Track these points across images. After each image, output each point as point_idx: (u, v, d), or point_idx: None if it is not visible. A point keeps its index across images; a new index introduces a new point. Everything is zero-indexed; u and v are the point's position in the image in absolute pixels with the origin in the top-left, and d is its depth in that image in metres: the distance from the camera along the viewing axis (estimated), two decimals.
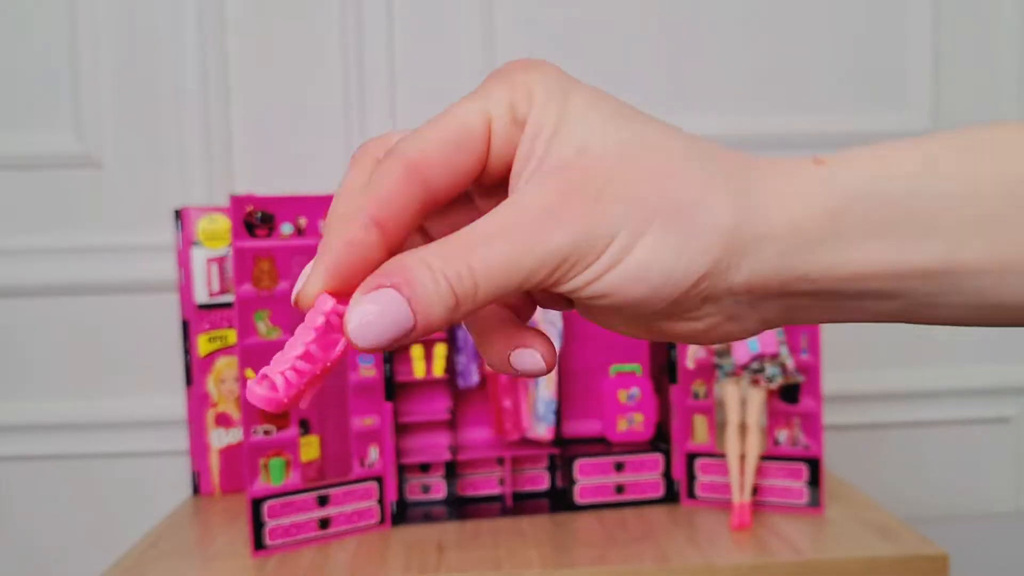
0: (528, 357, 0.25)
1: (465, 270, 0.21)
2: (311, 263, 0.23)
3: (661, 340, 0.27)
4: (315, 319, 0.22)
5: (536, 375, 0.25)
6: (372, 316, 0.21)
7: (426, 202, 0.23)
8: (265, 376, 0.23)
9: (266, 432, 0.81)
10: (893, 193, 0.23)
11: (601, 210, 0.22)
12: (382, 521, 0.86)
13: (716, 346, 0.85)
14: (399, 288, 0.21)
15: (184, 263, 0.98)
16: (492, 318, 0.25)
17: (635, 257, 0.22)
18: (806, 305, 0.24)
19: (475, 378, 0.92)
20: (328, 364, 0.23)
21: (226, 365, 0.99)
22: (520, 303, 0.26)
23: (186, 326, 0.98)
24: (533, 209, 0.22)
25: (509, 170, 0.24)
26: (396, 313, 0.21)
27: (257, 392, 0.23)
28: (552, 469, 0.94)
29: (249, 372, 0.80)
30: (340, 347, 0.23)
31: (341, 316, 0.22)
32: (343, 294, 0.22)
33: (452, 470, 0.89)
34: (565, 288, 0.23)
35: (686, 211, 0.22)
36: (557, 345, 0.90)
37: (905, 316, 0.25)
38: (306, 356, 0.23)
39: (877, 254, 0.23)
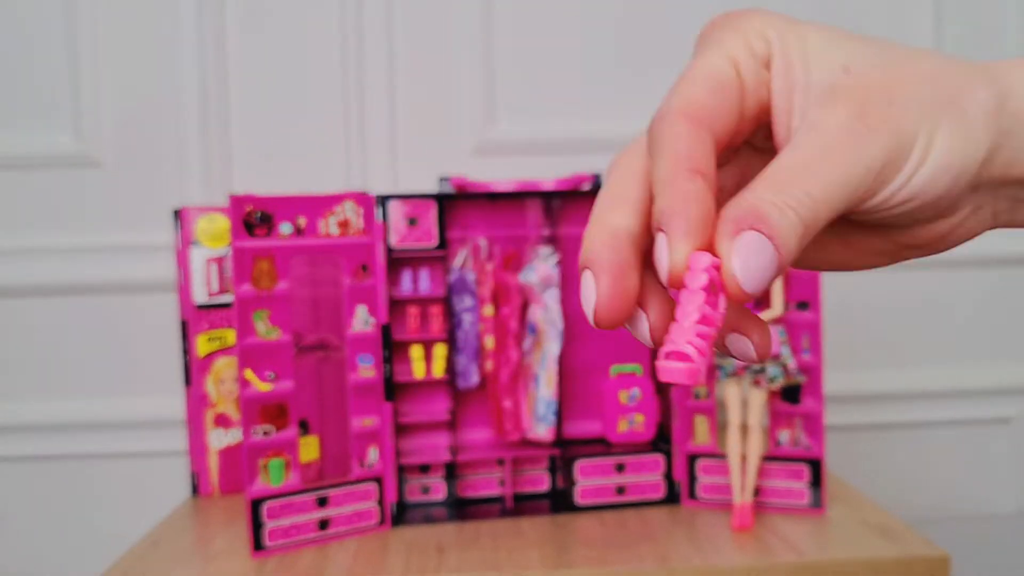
0: (742, 344, 0.25)
1: (805, 197, 0.22)
2: (593, 273, 0.23)
3: (906, 256, 0.27)
4: (698, 279, 0.22)
5: (747, 361, 0.25)
6: (751, 260, 0.21)
7: (716, 147, 0.24)
8: (674, 351, 0.22)
9: (265, 433, 0.80)
10: None
11: (900, 114, 0.23)
12: (382, 522, 0.85)
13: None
14: (759, 229, 0.21)
15: (183, 263, 0.98)
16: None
17: (937, 150, 0.23)
18: None
19: (475, 379, 0.91)
20: (720, 322, 0.23)
21: (225, 365, 0.99)
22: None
23: (185, 326, 0.98)
24: (836, 129, 0.23)
25: (763, 113, 0.25)
26: (766, 253, 0.21)
27: (675, 368, 0.22)
28: (552, 470, 0.93)
29: (248, 372, 0.80)
30: (723, 302, 0.22)
31: (718, 269, 0.22)
32: (701, 251, 0.22)
33: (452, 471, 0.89)
34: (880, 197, 0.23)
35: (960, 101, 0.23)
36: (558, 346, 0.90)
37: None
38: (704, 319, 0.22)
39: None
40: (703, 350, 0.22)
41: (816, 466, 0.85)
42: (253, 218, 0.79)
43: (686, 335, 0.22)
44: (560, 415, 0.92)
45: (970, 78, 0.24)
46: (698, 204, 0.22)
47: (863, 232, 0.27)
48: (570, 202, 0.95)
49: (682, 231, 0.22)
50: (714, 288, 0.22)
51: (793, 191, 0.22)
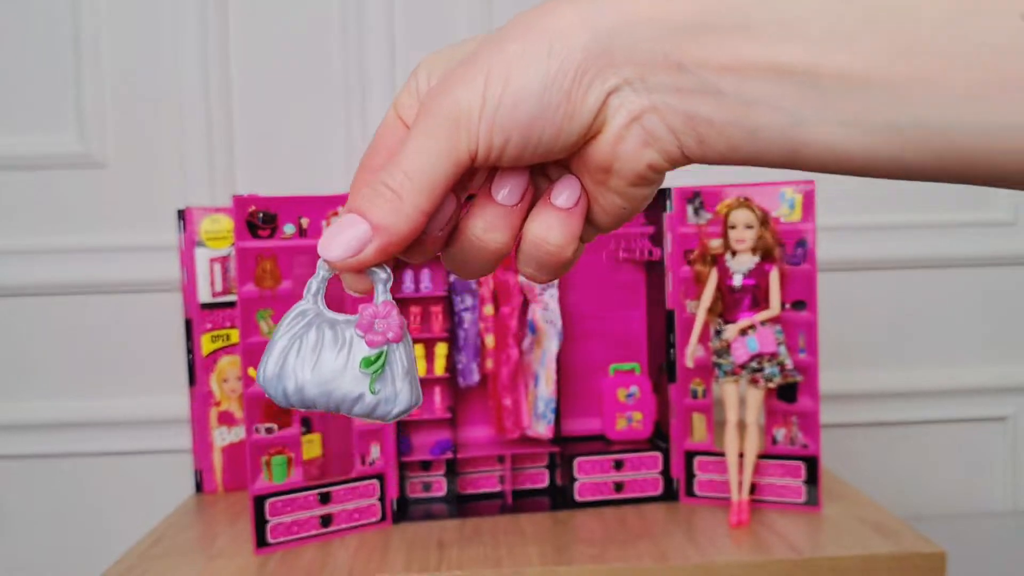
0: (561, 194, 0.29)
1: (400, 173, 0.27)
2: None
3: (633, 193, 0.29)
4: None
5: (569, 206, 0.29)
6: (332, 235, 0.28)
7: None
8: None
9: (268, 430, 0.81)
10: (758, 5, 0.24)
11: (469, 69, 0.26)
12: (383, 518, 0.86)
13: (715, 345, 0.85)
14: (352, 209, 0.28)
15: (187, 263, 0.99)
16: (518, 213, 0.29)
17: (513, 84, 0.26)
18: (704, 116, 0.25)
19: (475, 377, 0.92)
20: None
21: (229, 364, 1.00)
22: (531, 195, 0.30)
23: (189, 325, 0.99)
24: (427, 99, 0.27)
25: None
26: (353, 228, 0.27)
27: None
28: (552, 467, 0.94)
29: (252, 371, 0.81)
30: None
31: None
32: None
33: (453, 468, 0.90)
34: (487, 154, 0.27)
35: (542, 30, 0.26)
36: (557, 344, 0.91)
37: (794, 143, 0.25)
38: None
39: (744, 49, 0.24)
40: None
41: (812, 464, 0.86)
42: (256, 218, 0.80)
43: None
44: (559, 413, 0.92)
45: (564, 7, 0.26)
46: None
47: (584, 173, 0.29)
48: None
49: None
50: None
51: (391, 169, 0.27)
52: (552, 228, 0.29)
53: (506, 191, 0.29)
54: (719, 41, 0.24)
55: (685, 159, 0.28)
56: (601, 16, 0.25)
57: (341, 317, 0.29)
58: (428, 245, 0.30)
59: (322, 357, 0.28)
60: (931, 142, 0.23)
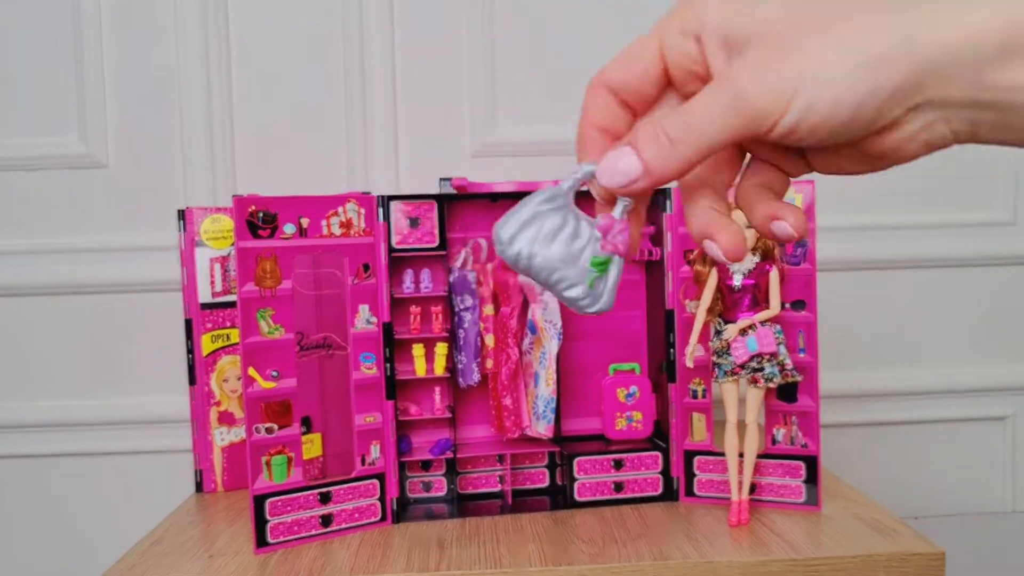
0: (780, 227, 0.33)
1: (682, 125, 0.29)
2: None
3: (870, 166, 0.32)
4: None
5: (787, 240, 0.33)
6: (611, 163, 0.31)
7: (620, 101, 0.33)
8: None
9: (268, 430, 0.82)
10: None
11: (786, 63, 0.28)
12: (383, 518, 0.86)
13: (715, 345, 0.86)
14: (631, 144, 0.30)
15: (188, 263, 0.99)
16: (755, 193, 0.33)
17: (827, 97, 0.27)
18: (986, 121, 0.28)
19: (475, 377, 0.92)
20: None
21: (229, 364, 1.00)
22: (774, 180, 0.33)
23: (189, 325, 0.99)
24: (739, 75, 0.29)
25: (689, 72, 0.32)
26: (627, 162, 0.31)
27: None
28: (552, 467, 0.95)
29: (252, 370, 0.81)
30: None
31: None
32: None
33: (453, 467, 0.90)
34: (777, 133, 0.29)
35: (861, 45, 0.27)
36: (557, 344, 0.91)
37: None
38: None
39: None
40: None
41: (812, 463, 0.86)
42: (257, 218, 0.80)
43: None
44: (559, 412, 0.93)
45: (877, 21, 0.27)
46: (591, 143, 0.33)
47: (841, 148, 0.31)
48: None
49: (581, 156, 0.34)
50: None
51: (675, 119, 0.29)
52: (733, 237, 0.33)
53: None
54: (1022, 63, 0.26)
55: (954, 144, 0.30)
56: (919, 45, 0.27)
57: (584, 216, 0.34)
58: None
59: (559, 238, 0.33)
60: None
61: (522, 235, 0.33)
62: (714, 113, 0.28)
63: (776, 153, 0.33)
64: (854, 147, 0.30)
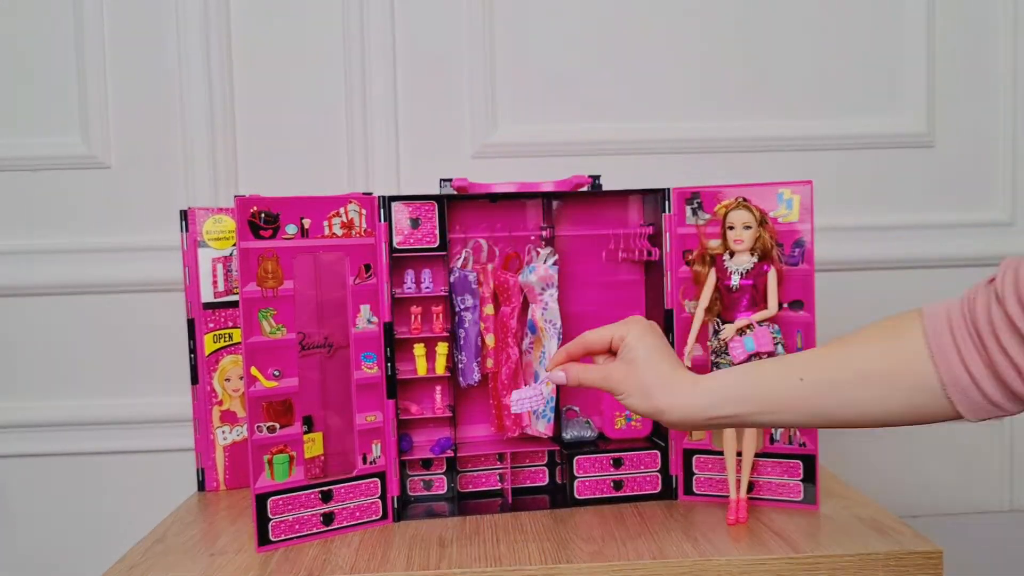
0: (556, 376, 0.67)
1: (584, 375, 0.64)
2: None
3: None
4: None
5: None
6: (554, 374, 0.66)
7: (585, 351, 0.65)
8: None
9: (270, 429, 0.82)
10: (722, 397, 0.59)
11: (627, 381, 0.61)
12: (384, 516, 0.87)
13: (713, 344, 0.86)
14: (564, 371, 0.66)
15: (190, 263, 0.99)
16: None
17: (628, 401, 0.61)
18: (699, 426, 0.61)
19: (476, 376, 0.93)
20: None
21: (231, 363, 1.01)
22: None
23: (192, 325, 1.00)
24: (613, 371, 0.62)
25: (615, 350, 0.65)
26: (559, 376, 0.66)
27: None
28: (551, 465, 0.95)
29: (254, 370, 0.81)
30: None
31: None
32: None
33: (453, 466, 0.91)
34: (617, 398, 0.62)
35: (649, 398, 0.61)
36: (556, 344, 0.91)
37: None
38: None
39: (730, 410, 0.59)
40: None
41: (810, 462, 0.87)
42: (259, 219, 0.81)
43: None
44: (559, 412, 0.93)
45: (658, 387, 0.60)
46: (560, 359, 0.66)
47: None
48: (569, 203, 0.97)
49: (552, 364, 0.67)
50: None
51: (581, 371, 0.64)
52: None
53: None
54: (716, 413, 0.61)
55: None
56: (666, 413, 0.61)
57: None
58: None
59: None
60: (774, 425, 0.76)
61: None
62: (596, 377, 0.64)
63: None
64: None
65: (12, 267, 1.18)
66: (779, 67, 1.24)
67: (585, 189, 0.94)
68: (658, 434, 0.95)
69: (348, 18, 1.19)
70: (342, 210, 0.84)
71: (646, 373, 0.60)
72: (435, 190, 0.92)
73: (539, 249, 0.94)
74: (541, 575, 0.74)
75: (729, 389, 0.58)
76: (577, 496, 0.91)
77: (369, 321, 0.87)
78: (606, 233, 0.97)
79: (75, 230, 1.19)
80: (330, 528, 0.84)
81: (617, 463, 0.91)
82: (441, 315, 0.91)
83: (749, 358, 0.83)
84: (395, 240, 0.87)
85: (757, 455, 0.87)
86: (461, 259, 0.93)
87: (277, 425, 0.82)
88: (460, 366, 0.92)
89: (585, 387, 0.63)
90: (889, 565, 0.75)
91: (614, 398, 0.62)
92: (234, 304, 1.00)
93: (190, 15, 1.18)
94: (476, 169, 1.19)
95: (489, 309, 0.92)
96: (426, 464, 0.91)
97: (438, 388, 0.92)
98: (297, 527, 0.82)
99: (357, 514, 0.85)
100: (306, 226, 0.83)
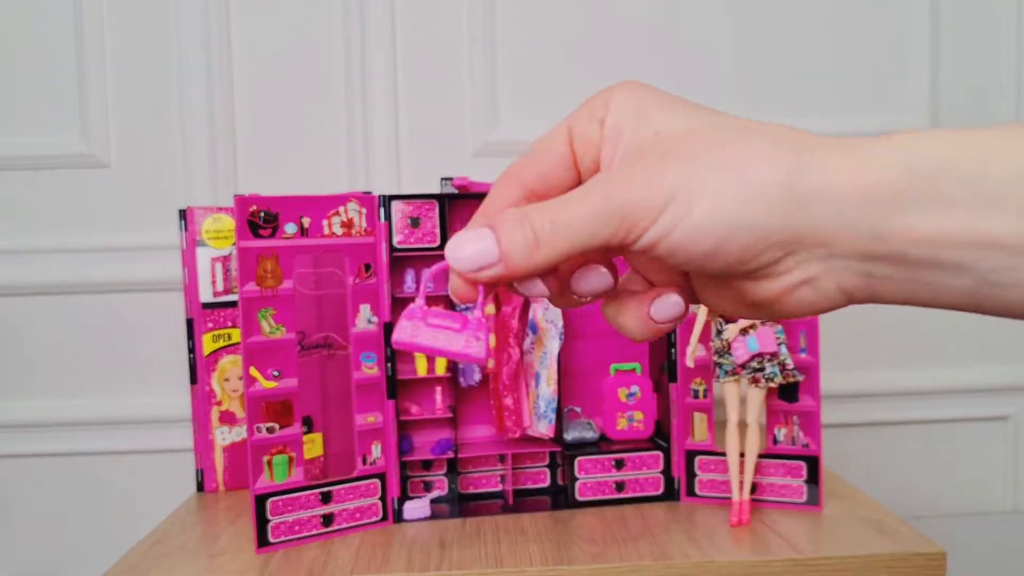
0: (660, 312, 0.29)
1: (548, 223, 0.26)
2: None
3: (754, 314, 0.29)
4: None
5: (676, 320, 0.30)
6: (463, 241, 0.27)
7: (526, 192, 0.30)
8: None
9: (269, 430, 0.82)
10: (964, 170, 0.24)
11: (660, 174, 0.26)
12: (384, 518, 0.86)
13: (716, 345, 0.86)
14: (492, 228, 0.27)
15: (189, 262, 0.99)
16: (631, 299, 0.30)
17: (694, 217, 0.25)
18: (882, 275, 0.26)
19: (477, 376, 0.92)
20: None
21: (230, 363, 1.00)
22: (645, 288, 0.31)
23: (191, 325, 0.99)
24: (612, 179, 0.27)
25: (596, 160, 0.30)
26: (481, 241, 0.27)
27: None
28: (553, 466, 0.95)
29: (253, 370, 0.81)
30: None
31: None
32: None
33: (454, 467, 0.90)
34: (639, 246, 0.26)
35: (742, 172, 0.25)
36: (558, 344, 0.91)
37: (977, 297, 0.25)
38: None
39: (950, 222, 0.24)
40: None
41: (813, 463, 0.86)
42: (258, 218, 0.80)
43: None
44: (560, 412, 0.93)
45: (769, 152, 0.25)
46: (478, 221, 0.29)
47: (721, 284, 0.29)
48: None
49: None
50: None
51: (544, 215, 0.27)
52: (635, 324, 0.30)
53: (588, 287, 0.30)
54: (921, 214, 0.24)
55: (848, 303, 0.27)
56: (806, 181, 0.25)
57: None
58: (552, 289, 0.30)
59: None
60: None
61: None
62: (583, 216, 0.26)
63: (654, 269, 0.30)
64: (730, 287, 0.28)
65: (10, 266, 1.18)
66: (780, 67, 1.24)
67: None
68: (660, 435, 0.94)
69: (348, 16, 1.19)
70: (342, 209, 0.84)
71: (709, 137, 0.27)
72: (436, 189, 0.91)
73: None
74: None
75: (977, 162, 0.25)
76: (578, 497, 0.90)
77: (369, 321, 0.86)
78: None
79: (74, 229, 1.19)
80: (330, 529, 0.83)
81: (619, 464, 0.91)
82: None
83: (752, 359, 0.82)
84: (395, 239, 0.86)
85: (760, 456, 0.87)
86: None
87: (276, 426, 0.82)
88: (460, 366, 0.92)
89: (559, 255, 0.27)
90: (892, 566, 0.74)
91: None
92: (233, 304, 1.00)
93: (189, 14, 1.17)
94: (477, 167, 1.18)
95: (490, 309, 0.92)
96: (426, 465, 0.91)
97: (438, 389, 0.92)
98: (297, 528, 0.82)
99: (357, 515, 0.85)
100: (305, 225, 0.82)
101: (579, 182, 0.30)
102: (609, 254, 0.30)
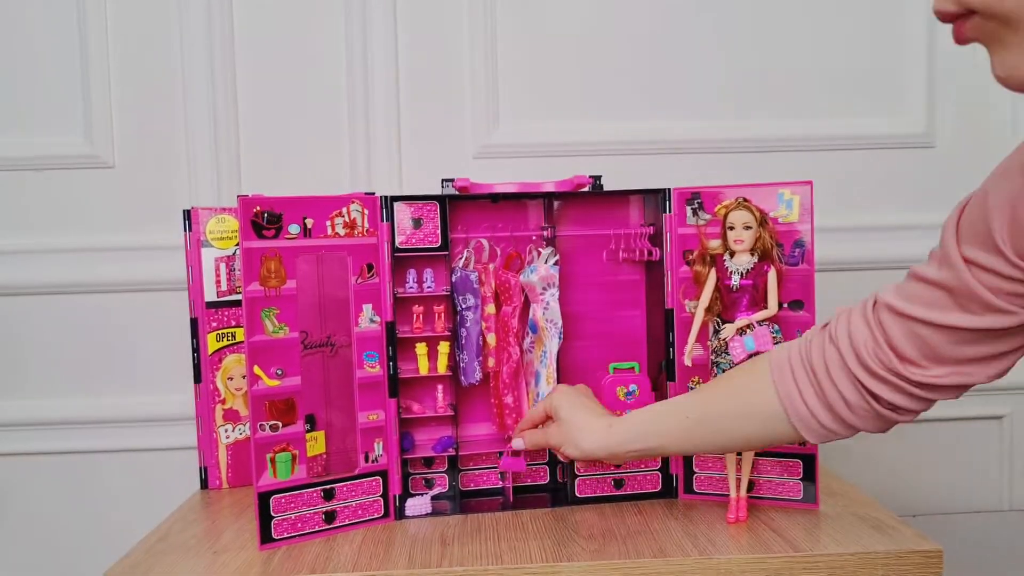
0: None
1: (537, 438, 0.82)
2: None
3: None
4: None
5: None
6: (516, 440, 0.84)
7: (542, 420, 0.84)
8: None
9: (273, 428, 0.82)
10: (633, 433, 0.74)
11: (558, 435, 0.78)
12: (386, 515, 0.87)
13: (713, 344, 0.87)
14: (522, 438, 0.84)
15: (193, 262, 1.00)
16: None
17: (565, 450, 0.78)
18: (622, 457, 0.77)
19: (477, 375, 0.93)
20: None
21: (234, 362, 1.01)
22: None
23: (195, 324, 1.00)
24: (551, 430, 0.80)
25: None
26: (519, 443, 0.83)
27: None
28: (552, 464, 0.95)
29: (257, 368, 0.82)
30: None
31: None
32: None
33: (455, 465, 0.91)
34: (558, 452, 0.80)
35: (575, 443, 0.76)
36: (558, 343, 0.92)
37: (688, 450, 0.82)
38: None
39: (639, 446, 0.74)
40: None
41: (810, 461, 0.87)
42: (261, 219, 0.81)
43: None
44: None
45: (583, 436, 0.76)
46: (525, 424, 0.85)
47: None
48: (570, 203, 0.97)
49: (517, 431, 0.86)
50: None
51: (536, 435, 0.82)
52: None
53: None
54: (621, 452, 0.78)
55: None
56: (583, 449, 0.77)
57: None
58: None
59: None
60: (678, 454, 0.91)
61: None
62: (542, 438, 0.80)
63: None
64: None
65: (16, 266, 1.19)
66: (780, 68, 1.24)
67: (586, 189, 0.94)
68: None
69: (351, 18, 1.20)
70: (344, 210, 0.85)
71: (570, 425, 0.76)
72: (437, 190, 0.92)
73: (540, 249, 0.94)
74: (542, 573, 0.74)
75: (636, 427, 0.73)
76: (578, 494, 0.91)
77: (371, 320, 0.87)
78: (607, 233, 0.98)
79: (78, 230, 1.20)
80: (332, 526, 0.84)
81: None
82: (443, 314, 0.91)
83: (749, 357, 0.83)
84: (397, 240, 0.87)
85: (757, 454, 0.87)
86: (463, 259, 0.93)
87: (280, 424, 0.83)
88: (462, 365, 0.93)
89: (539, 448, 0.83)
90: (889, 564, 0.75)
91: (556, 451, 0.79)
92: (237, 303, 1.01)
93: (193, 15, 1.18)
94: (478, 169, 1.19)
95: (491, 308, 0.93)
96: (428, 463, 0.92)
97: (440, 387, 0.93)
98: (299, 525, 0.82)
99: (359, 512, 0.86)
100: (309, 226, 0.83)
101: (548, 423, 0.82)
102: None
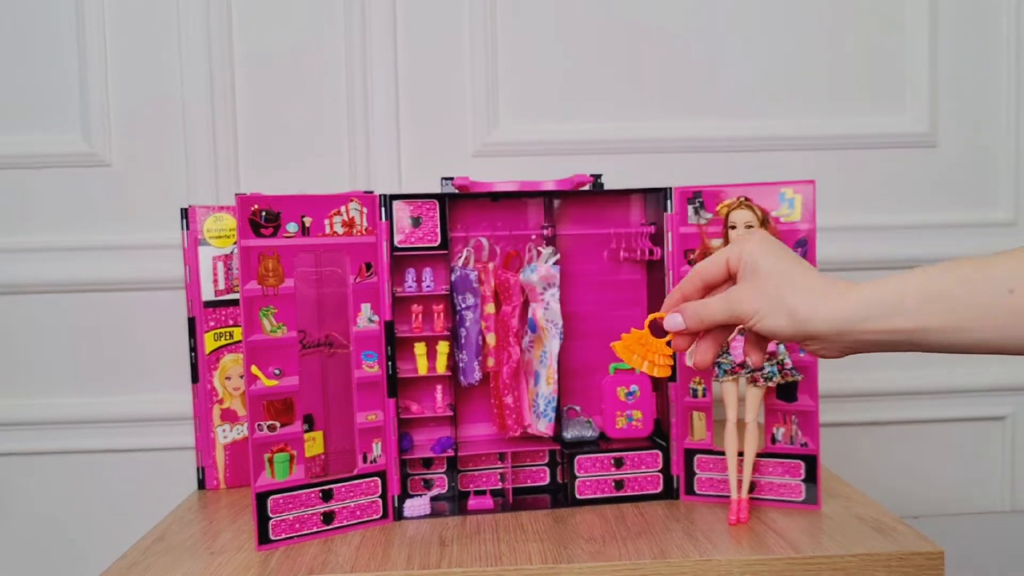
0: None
1: (702, 308, 0.55)
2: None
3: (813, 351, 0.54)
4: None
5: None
6: (671, 319, 0.56)
7: (703, 285, 0.56)
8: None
9: (271, 428, 0.82)
10: (889, 302, 0.48)
11: (755, 298, 0.52)
12: (385, 515, 0.87)
13: None
14: (680, 312, 0.56)
15: (191, 261, 0.99)
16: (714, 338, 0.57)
17: (762, 325, 0.52)
18: (852, 347, 0.51)
19: (477, 375, 0.93)
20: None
21: (232, 361, 1.01)
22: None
23: (192, 323, 1.00)
24: (732, 292, 0.54)
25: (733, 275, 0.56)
26: (676, 318, 0.56)
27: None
28: (552, 465, 0.95)
29: (255, 368, 0.81)
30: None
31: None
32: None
33: (454, 465, 0.91)
34: (746, 327, 0.54)
35: (786, 307, 0.51)
36: (558, 343, 0.91)
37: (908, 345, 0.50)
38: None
39: (900, 324, 0.48)
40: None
41: (812, 462, 0.87)
42: (259, 217, 0.81)
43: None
44: (560, 411, 0.93)
45: (800, 297, 0.50)
46: (675, 302, 0.57)
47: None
48: (570, 202, 0.97)
49: (665, 308, 0.57)
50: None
51: (700, 308, 0.55)
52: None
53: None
54: (869, 323, 0.49)
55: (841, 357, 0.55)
56: (811, 319, 0.50)
57: None
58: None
59: None
60: (956, 348, 0.48)
61: None
62: (716, 310, 0.54)
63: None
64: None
65: (12, 264, 1.18)
66: (781, 67, 1.24)
67: (587, 188, 0.94)
68: (659, 434, 0.95)
69: (350, 16, 1.19)
70: (343, 208, 0.84)
71: (779, 282, 0.51)
72: (436, 189, 0.92)
73: (540, 248, 0.94)
74: (542, 575, 0.74)
75: (898, 296, 0.47)
76: (578, 496, 0.91)
77: (370, 320, 0.87)
78: (608, 232, 0.97)
79: (76, 228, 1.19)
80: (330, 527, 0.84)
81: (618, 463, 0.91)
82: (442, 314, 0.91)
83: None
84: (396, 239, 0.87)
85: (759, 455, 0.87)
86: (462, 258, 0.93)
87: (278, 424, 0.82)
88: (461, 365, 0.92)
89: (707, 326, 0.54)
90: (890, 565, 0.75)
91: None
92: (235, 302, 1.00)
93: (192, 13, 1.17)
94: (477, 168, 1.19)
95: (490, 308, 0.92)
96: (427, 463, 0.91)
97: (439, 387, 0.92)
98: (297, 526, 0.82)
99: (358, 513, 0.85)
100: (307, 224, 0.83)
101: (729, 281, 0.56)
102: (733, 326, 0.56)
